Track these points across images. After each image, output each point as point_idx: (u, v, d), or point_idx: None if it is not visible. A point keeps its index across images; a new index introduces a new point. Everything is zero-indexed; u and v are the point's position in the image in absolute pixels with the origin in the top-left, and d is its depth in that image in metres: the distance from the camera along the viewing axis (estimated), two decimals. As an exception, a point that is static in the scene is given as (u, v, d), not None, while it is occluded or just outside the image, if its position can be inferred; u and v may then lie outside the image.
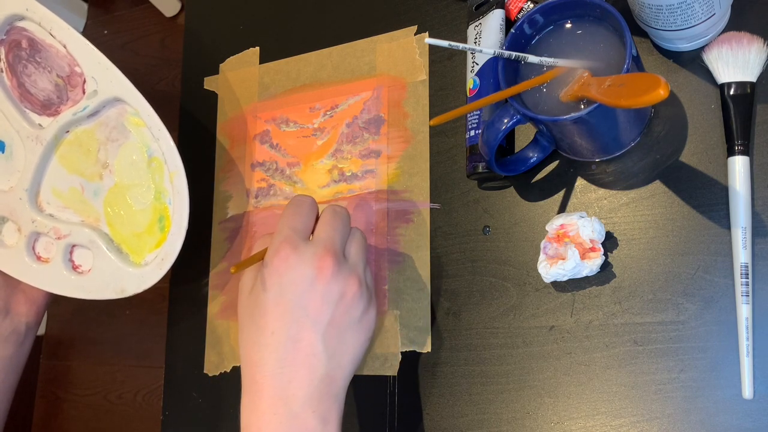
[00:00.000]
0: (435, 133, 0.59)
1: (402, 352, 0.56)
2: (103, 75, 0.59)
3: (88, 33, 1.66)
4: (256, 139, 0.66)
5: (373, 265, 0.58)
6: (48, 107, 0.62)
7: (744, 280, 0.45)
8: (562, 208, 0.52)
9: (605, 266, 0.50)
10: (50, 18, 0.59)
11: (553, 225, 0.50)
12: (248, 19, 0.70)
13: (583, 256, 0.48)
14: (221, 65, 0.70)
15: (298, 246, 0.47)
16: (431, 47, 0.60)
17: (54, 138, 0.62)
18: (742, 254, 0.45)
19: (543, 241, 0.50)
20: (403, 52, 0.61)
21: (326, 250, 0.47)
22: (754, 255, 0.46)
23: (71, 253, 0.62)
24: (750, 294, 0.45)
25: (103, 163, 0.62)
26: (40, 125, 0.63)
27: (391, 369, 0.56)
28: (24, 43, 0.61)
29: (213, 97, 0.70)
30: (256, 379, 0.47)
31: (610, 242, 0.50)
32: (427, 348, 0.55)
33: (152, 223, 0.61)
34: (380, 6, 0.63)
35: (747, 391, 0.44)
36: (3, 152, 0.64)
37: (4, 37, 0.62)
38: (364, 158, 0.61)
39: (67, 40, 0.59)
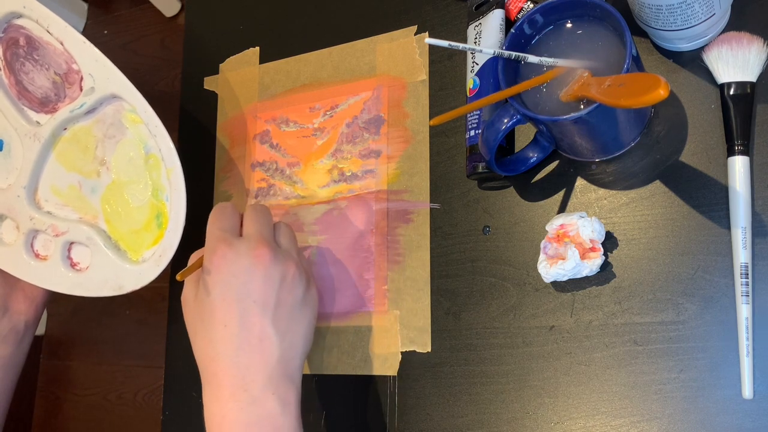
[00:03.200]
0: (435, 133, 0.59)
1: (402, 352, 0.56)
2: (101, 72, 0.59)
3: (88, 33, 1.66)
4: (256, 139, 0.66)
5: (373, 265, 0.58)
6: (46, 104, 0.62)
7: (744, 280, 0.45)
8: (562, 208, 0.52)
9: (605, 266, 0.50)
10: (48, 16, 0.59)
11: (553, 225, 0.50)
12: (248, 19, 0.70)
13: (583, 256, 0.48)
14: (221, 65, 0.70)
15: (232, 243, 0.50)
16: (431, 47, 0.60)
17: (51, 135, 0.62)
18: (742, 254, 0.45)
19: (543, 241, 0.50)
20: (403, 52, 0.61)
21: (259, 241, 0.50)
22: (754, 255, 0.46)
23: (69, 250, 0.62)
24: (750, 294, 0.45)
25: (101, 160, 0.62)
26: (37, 122, 0.63)
27: (391, 369, 0.56)
28: (22, 41, 0.61)
29: (213, 97, 0.70)
30: (215, 372, 0.48)
31: (610, 242, 0.50)
32: (427, 348, 0.55)
33: (150, 219, 0.61)
34: (380, 6, 0.63)
35: (747, 391, 0.44)
36: (1, 150, 0.64)
37: (2, 35, 0.62)
38: (364, 158, 0.61)
39: (65, 38, 0.59)
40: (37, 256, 0.63)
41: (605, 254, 0.50)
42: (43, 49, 0.61)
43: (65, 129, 0.62)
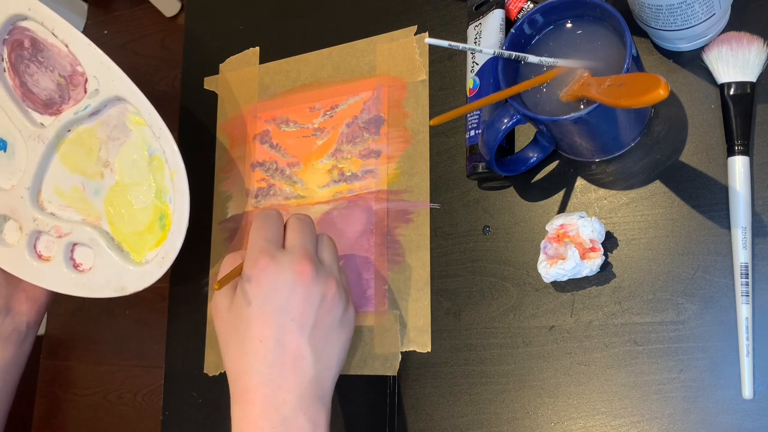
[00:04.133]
0: (435, 133, 0.59)
1: (402, 352, 0.56)
2: (105, 74, 0.59)
3: (88, 33, 1.66)
4: (256, 139, 0.66)
5: (373, 265, 0.58)
6: (50, 106, 0.62)
7: (744, 280, 0.45)
8: (562, 208, 0.52)
9: (605, 266, 0.50)
10: (53, 18, 0.59)
11: (553, 225, 0.50)
12: (248, 19, 0.70)
13: (583, 256, 0.48)
14: (221, 65, 0.70)
15: (275, 255, 0.49)
16: (431, 47, 0.60)
17: (56, 137, 0.62)
18: (742, 254, 0.45)
19: (543, 241, 0.50)
20: (403, 52, 0.61)
21: (302, 256, 0.49)
22: (754, 255, 0.46)
23: (72, 251, 0.62)
24: (750, 294, 0.45)
25: (105, 161, 0.62)
26: (42, 124, 0.63)
27: (391, 369, 0.56)
28: (26, 43, 0.61)
29: (213, 97, 0.70)
30: (247, 388, 0.47)
31: (610, 242, 0.50)
32: (427, 348, 0.55)
33: (153, 221, 0.61)
34: (380, 6, 0.63)
35: (747, 391, 0.44)
36: (5, 151, 0.64)
37: (7, 37, 0.62)
38: (364, 158, 0.61)
39: (69, 40, 0.59)
40: (39, 257, 0.63)
41: (605, 254, 0.50)
42: (47, 51, 0.61)
43: (69, 131, 0.62)
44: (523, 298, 0.52)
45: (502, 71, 0.47)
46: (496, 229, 0.54)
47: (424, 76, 0.60)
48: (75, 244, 0.62)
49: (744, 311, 0.45)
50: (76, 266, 0.62)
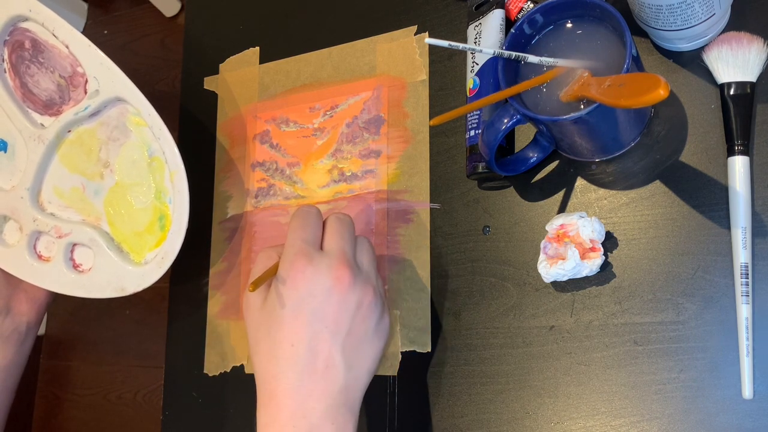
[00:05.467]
0: (435, 133, 0.59)
1: (402, 352, 0.56)
2: (105, 75, 0.59)
3: (88, 33, 1.66)
4: (256, 139, 0.66)
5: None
6: (50, 107, 0.63)
7: (744, 280, 0.45)
8: (562, 208, 0.52)
9: (605, 266, 0.50)
10: (53, 19, 0.60)
11: (553, 225, 0.50)
12: (248, 19, 0.70)
13: (583, 256, 0.48)
14: (221, 65, 0.70)
15: (313, 257, 0.47)
16: (431, 47, 0.60)
17: (56, 137, 0.62)
18: (742, 254, 0.45)
19: (543, 241, 0.50)
20: (403, 52, 0.61)
21: (341, 261, 0.47)
22: (754, 255, 0.46)
23: (72, 251, 0.62)
24: (750, 294, 0.45)
25: (105, 162, 0.62)
26: (42, 125, 0.63)
27: (391, 369, 0.56)
28: (27, 44, 0.62)
29: (213, 97, 0.70)
30: (276, 392, 0.46)
31: (610, 242, 0.50)
32: (427, 348, 0.55)
33: (152, 222, 0.61)
34: (380, 6, 0.63)
35: (747, 391, 0.44)
36: (5, 151, 0.64)
37: (8, 38, 0.62)
38: (364, 158, 0.61)
39: (70, 41, 0.60)
40: (40, 257, 0.63)
41: (605, 254, 0.50)
42: (48, 52, 0.61)
43: (69, 131, 0.62)
44: (523, 298, 0.52)
45: (502, 71, 0.47)
46: (496, 229, 0.54)
47: (424, 76, 0.60)
48: (75, 245, 0.62)
49: (744, 311, 0.45)
50: (75, 266, 0.62)
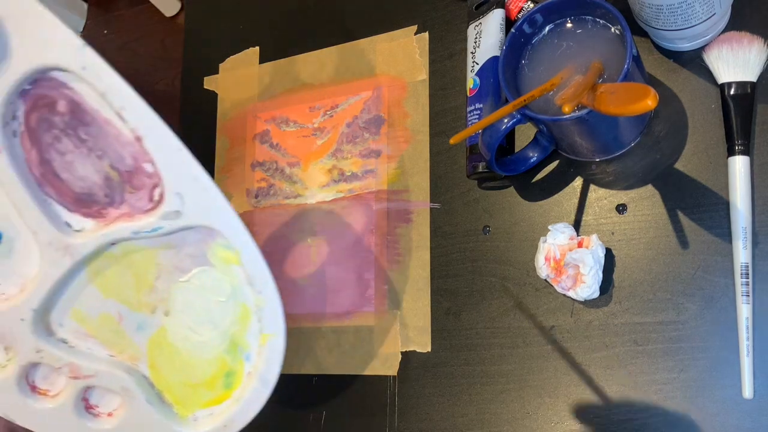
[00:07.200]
0: (435, 133, 0.59)
1: (402, 352, 0.56)
2: (197, 196, 0.43)
3: (88, 33, 1.67)
4: (256, 138, 0.66)
5: (373, 265, 0.58)
6: (86, 204, 0.45)
7: (744, 280, 0.45)
8: (562, 209, 0.52)
9: (605, 266, 0.50)
10: (120, 90, 0.39)
11: (555, 242, 0.49)
12: (248, 19, 0.70)
13: (576, 283, 0.48)
14: (221, 65, 0.70)
15: None
16: (431, 47, 0.60)
17: (95, 252, 0.45)
18: (742, 254, 0.45)
19: (541, 243, 0.50)
20: (403, 52, 0.61)
21: None
22: (754, 255, 0.46)
23: (86, 390, 0.47)
24: (750, 294, 0.45)
25: (161, 294, 0.46)
26: (68, 224, 0.45)
27: (391, 369, 0.56)
28: (62, 106, 0.43)
29: (213, 97, 0.70)
30: None
31: (610, 242, 0.50)
32: (427, 348, 0.55)
33: (215, 377, 0.47)
34: (380, 6, 0.63)
35: (747, 391, 0.44)
36: None
37: (28, 88, 0.42)
38: (364, 158, 0.61)
39: (146, 133, 0.41)
40: (33, 389, 0.47)
41: (603, 273, 0.49)
42: (96, 128, 0.42)
43: (113, 244, 0.45)
44: (523, 298, 0.52)
45: (503, 71, 0.47)
46: (496, 229, 0.54)
47: (424, 75, 0.60)
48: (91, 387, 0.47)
49: (744, 311, 0.45)
50: (88, 409, 0.47)
